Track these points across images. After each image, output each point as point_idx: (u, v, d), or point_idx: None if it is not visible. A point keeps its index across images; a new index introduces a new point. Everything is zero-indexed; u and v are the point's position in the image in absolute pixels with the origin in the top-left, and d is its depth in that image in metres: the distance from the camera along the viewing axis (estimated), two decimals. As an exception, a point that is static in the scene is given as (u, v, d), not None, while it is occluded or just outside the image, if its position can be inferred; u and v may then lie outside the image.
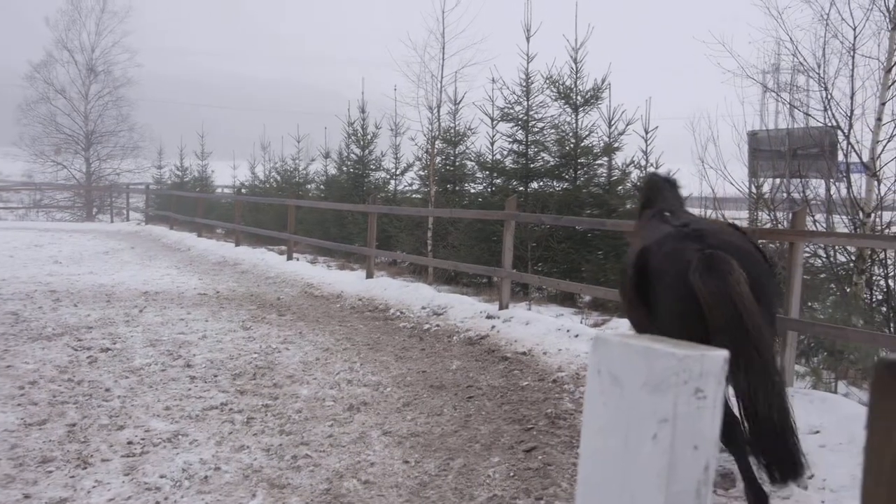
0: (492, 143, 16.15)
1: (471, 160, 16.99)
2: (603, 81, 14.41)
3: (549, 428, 6.48)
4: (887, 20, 9.66)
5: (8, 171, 47.23)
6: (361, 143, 20.97)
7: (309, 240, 18.77)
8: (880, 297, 9.64)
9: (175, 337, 9.88)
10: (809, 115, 11.02)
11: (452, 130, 17.56)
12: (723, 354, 1.23)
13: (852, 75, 9.91)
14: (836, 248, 9.90)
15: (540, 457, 5.83)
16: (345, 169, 21.79)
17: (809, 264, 9.87)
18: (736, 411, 4.44)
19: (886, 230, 9.58)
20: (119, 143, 40.02)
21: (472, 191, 17.19)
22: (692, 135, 11.82)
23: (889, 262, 9.51)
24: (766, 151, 12.39)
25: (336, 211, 18.98)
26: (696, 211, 12.05)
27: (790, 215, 8.62)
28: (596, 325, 11.22)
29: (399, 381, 7.96)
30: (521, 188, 15.10)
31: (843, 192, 10.07)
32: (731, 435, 4.61)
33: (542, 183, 15.30)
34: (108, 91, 40.28)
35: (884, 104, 9.66)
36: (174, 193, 31.11)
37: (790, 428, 4.30)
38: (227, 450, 5.89)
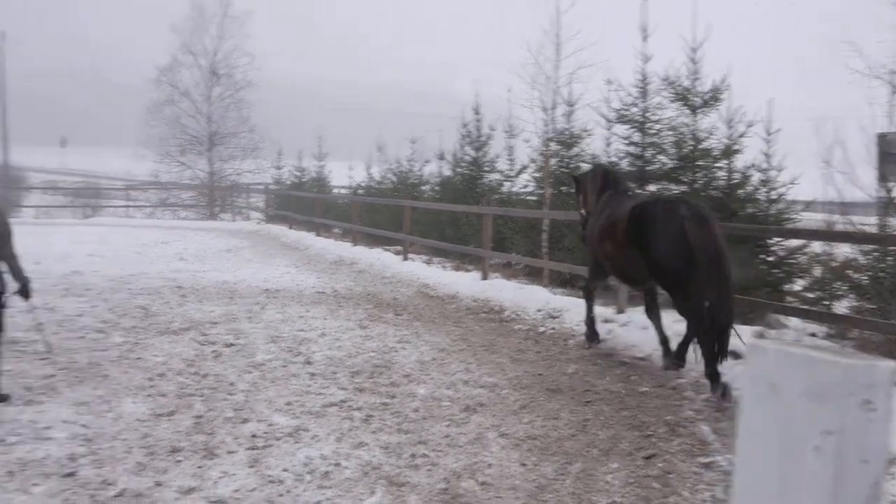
0: (607, 145, 15.93)
1: (585, 162, 16.81)
2: (722, 82, 14.04)
3: (669, 435, 6.36)
4: None
5: (136, 171, 49.25)
6: (475, 144, 20.98)
7: (424, 240, 18.91)
8: None
9: (295, 334, 10.11)
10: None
11: (567, 132, 17.42)
12: (892, 365, 1.18)
13: None
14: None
15: (660, 464, 5.72)
16: (459, 170, 21.84)
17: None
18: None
19: None
20: (240, 144, 41.24)
21: (588, 194, 16.99)
22: (816, 137, 11.41)
23: None
24: (896, 154, 11.84)
25: (451, 212, 19.07)
26: (821, 216, 11.69)
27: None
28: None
29: (515, 383, 7.94)
30: (637, 191, 14.85)
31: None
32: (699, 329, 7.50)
33: (659, 186, 15.02)
34: (230, 93, 41.61)
35: None
36: (293, 193, 31.79)
37: (732, 325, 7.36)
38: (346, 446, 5.99)
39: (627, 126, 15.37)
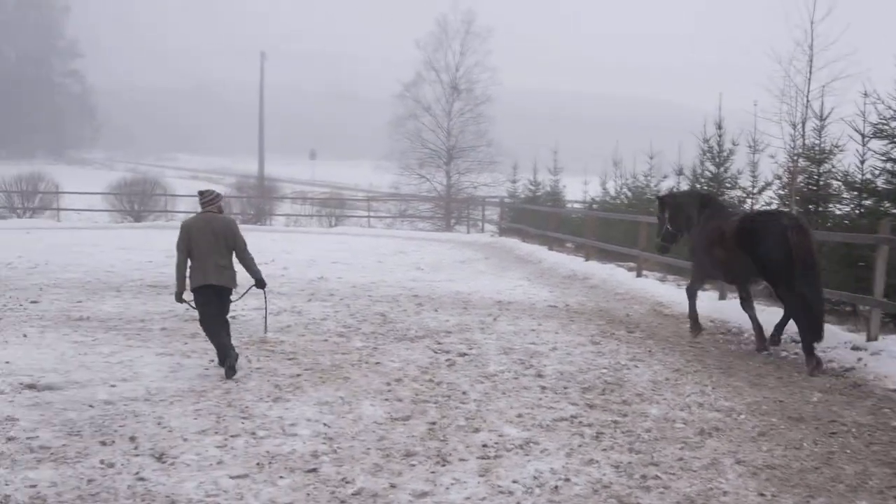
0: (861, 162, 14.90)
1: (837, 179, 15.81)
2: None
3: (928, 476, 5.86)
4: None
5: (378, 182, 51.57)
6: (717, 160, 20.28)
7: (659, 257, 18.48)
8: None
9: (527, 346, 10.19)
10: None
11: (817, 148, 16.46)
12: None
13: None
14: None
15: (915, 507, 5.28)
16: (698, 186, 21.18)
17: None
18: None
19: None
20: (477, 157, 42.12)
21: (837, 212, 15.96)
22: None
23: None
24: None
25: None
26: None
27: None
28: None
29: (753, 408, 7.59)
30: (893, 210, 13.79)
31: None
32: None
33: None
34: (469, 108, 42.65)
35: None
36: (527, 207, 32.04)
37: (824, 315, 9.61)
38: (576, 462, 5.97)
39: (886, 141, 14.33)
